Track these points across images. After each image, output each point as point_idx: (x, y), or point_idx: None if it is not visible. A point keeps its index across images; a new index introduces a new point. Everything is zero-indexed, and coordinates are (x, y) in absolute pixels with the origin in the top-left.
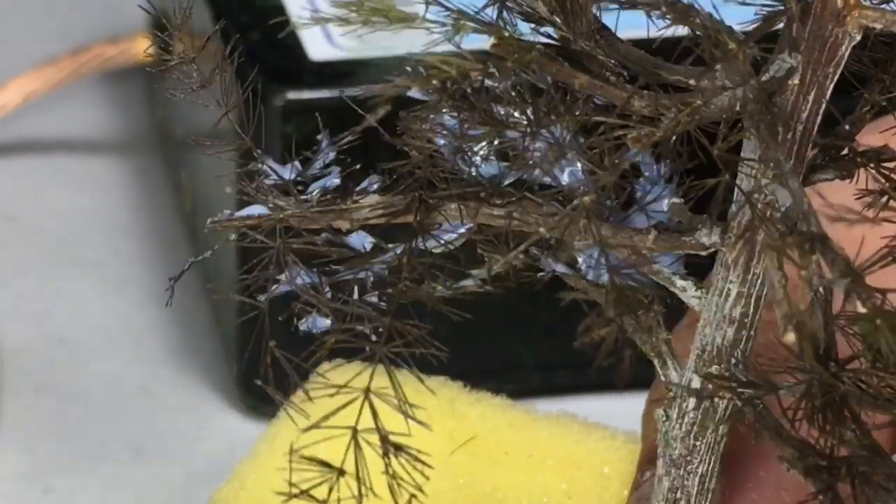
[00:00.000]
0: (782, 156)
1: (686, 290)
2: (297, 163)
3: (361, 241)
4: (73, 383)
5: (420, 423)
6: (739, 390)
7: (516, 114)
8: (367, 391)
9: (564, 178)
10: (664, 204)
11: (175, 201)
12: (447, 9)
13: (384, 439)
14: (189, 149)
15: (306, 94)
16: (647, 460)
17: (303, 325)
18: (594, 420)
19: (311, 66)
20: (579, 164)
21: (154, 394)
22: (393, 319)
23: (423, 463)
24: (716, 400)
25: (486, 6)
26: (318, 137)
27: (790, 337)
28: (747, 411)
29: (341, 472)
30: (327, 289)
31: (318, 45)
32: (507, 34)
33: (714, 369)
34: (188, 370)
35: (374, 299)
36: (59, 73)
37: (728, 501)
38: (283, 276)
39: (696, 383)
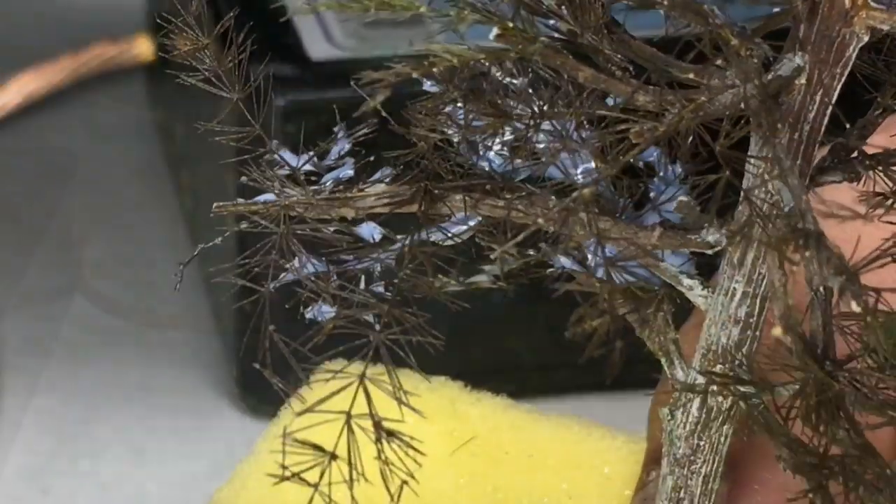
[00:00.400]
0: (783, 153)
1: (692, 288)
2: (309, 153)
3: (371, 231)
4: (73, 383)
5: (414, 410)
6: (740, 389)
7: (528, 107)
8: (362, 376)
9: (578, 175)
10: (674, 204)
11: (175, 201)
12: None
13: (377, 425)
14: (190, 148)
15: (306, 94)
16: (653, 460)
17: (308, 314)
18: (594, 420)
19: (311, 66)
20: (593, 163)
21: (154, 393)
22: (392, 307)
23: (416, 450)
24: (719, 399)
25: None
26: (335, 129)
27: (777, 331)
28: (747, 410)
29: (333, 456)
30: (334, 278)
31: (319, 45)
32: (510, 25)
33: (718, 368)
34: (188, 370)
35: (381, 289)
36: (59, 73)
37: (733, 503)
38: (290, 265)
39: (700, 383)
